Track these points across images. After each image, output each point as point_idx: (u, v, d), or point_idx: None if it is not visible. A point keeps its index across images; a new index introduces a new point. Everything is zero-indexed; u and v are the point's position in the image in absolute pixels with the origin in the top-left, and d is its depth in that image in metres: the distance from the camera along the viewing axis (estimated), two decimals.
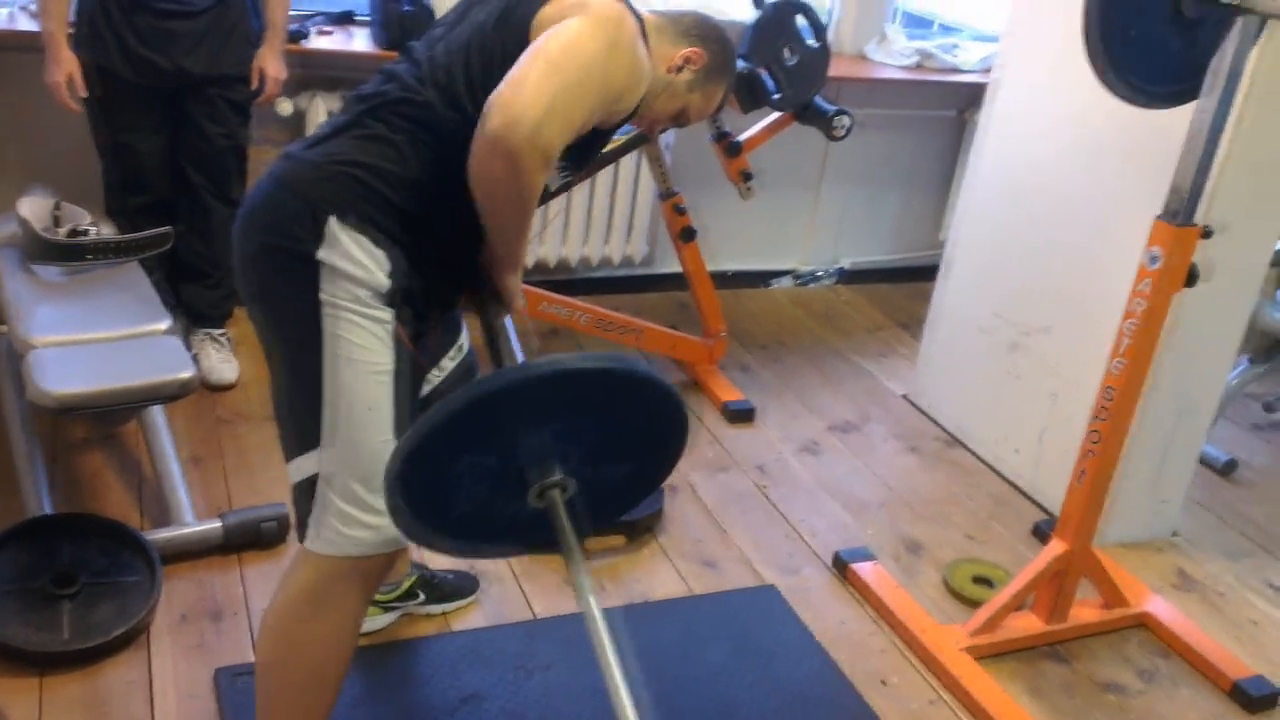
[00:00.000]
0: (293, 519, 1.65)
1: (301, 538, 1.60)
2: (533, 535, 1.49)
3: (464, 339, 1.96)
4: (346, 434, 1.53)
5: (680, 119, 1.77)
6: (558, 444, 1.41)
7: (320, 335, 1.51)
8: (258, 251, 1.55)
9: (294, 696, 1.62)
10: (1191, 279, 2.13)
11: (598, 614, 1.36)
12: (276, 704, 1.64)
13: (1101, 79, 2.00)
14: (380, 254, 1.50)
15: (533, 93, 1.39)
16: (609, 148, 2.76)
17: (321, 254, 1.48)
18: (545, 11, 1.51)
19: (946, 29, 4.42)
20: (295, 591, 1.59)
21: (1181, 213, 2.06)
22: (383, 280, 1.50)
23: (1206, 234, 2.09)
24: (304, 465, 1.57)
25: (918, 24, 4.46)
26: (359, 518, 1.55)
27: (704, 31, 1.72)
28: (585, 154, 1.68)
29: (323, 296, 1.49)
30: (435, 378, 1.88)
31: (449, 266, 1.62)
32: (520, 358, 1.69)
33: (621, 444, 1.50)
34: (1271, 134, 2.46)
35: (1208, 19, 1.96)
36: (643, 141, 2.94)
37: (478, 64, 1.54)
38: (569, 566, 1.43)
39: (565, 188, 2.84)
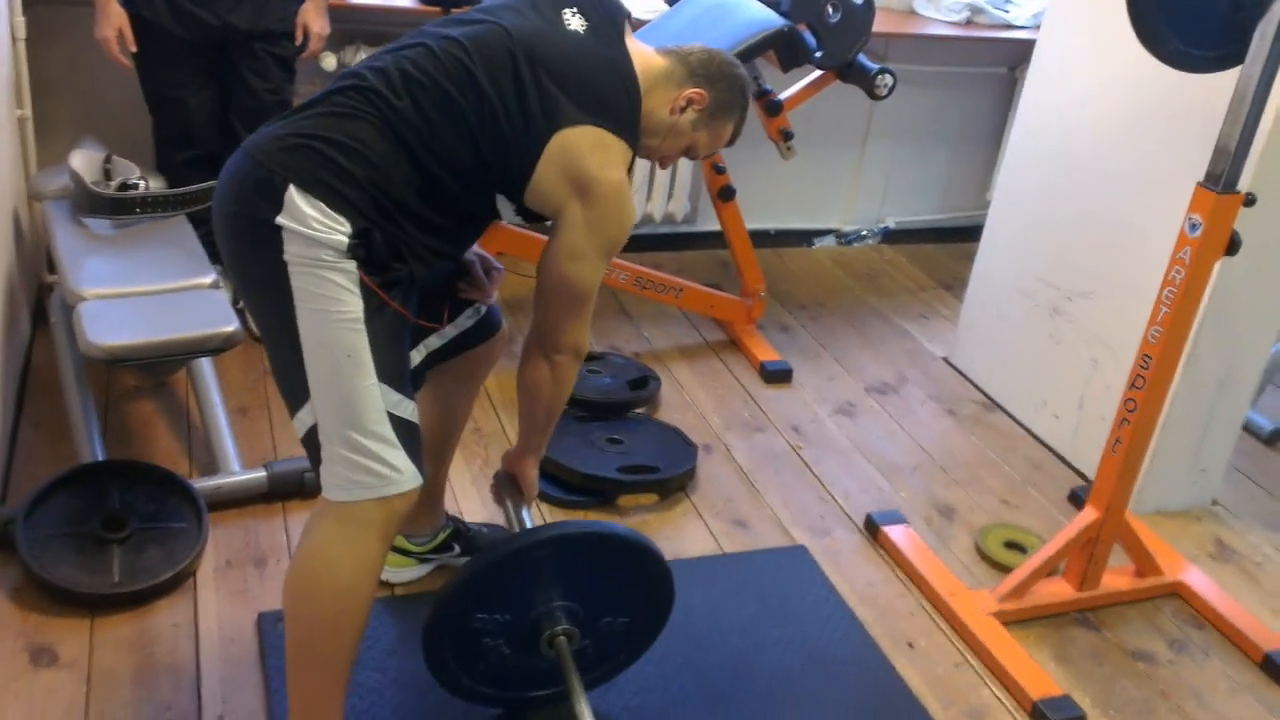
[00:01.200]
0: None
1: (320, 489, 1.65)
2: (545, 684, 1.92)
3: (481, 305, 2.00)
4: (331, 384, 1.60)
5: (690, 154, 1.87)
6: (563, 602, 1.81)
7: (291, 292, 1.57)
8: (228, 220, 1.63)
9: (316, 641, 1.68)
10: (1233, 247, 2.10)
11: None
12: (300, 648, 1.70)
13: (1144, 41, 1.96)
14: (339, 217, 1.56)
15: (566, 331, 1.75)
16: None
17: (281, 219, 1.55)
18: (545, 174, 1.64)
19: None
20: (315, 540, 1.65)
21: (1224, 179, 2.02)
22: (341, 239, 1.56)
23: (1249, 201, 2.05)
24: (304, 419, 1.64)
25: None
26: (360, 462, 1.60)
27: (710, 71, 1.78)
28: None
29: (286, 257, 1.56)
30: (451, 332, 1.93)
31: (418, 229, 1.66)
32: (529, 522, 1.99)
33: (619, 600, 1.87)
34: None
35: None
36: None
37: (455, 101, 1.63)
38: (573, 704, 1.78)
39: None
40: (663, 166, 1.97)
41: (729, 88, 1.80)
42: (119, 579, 2.15)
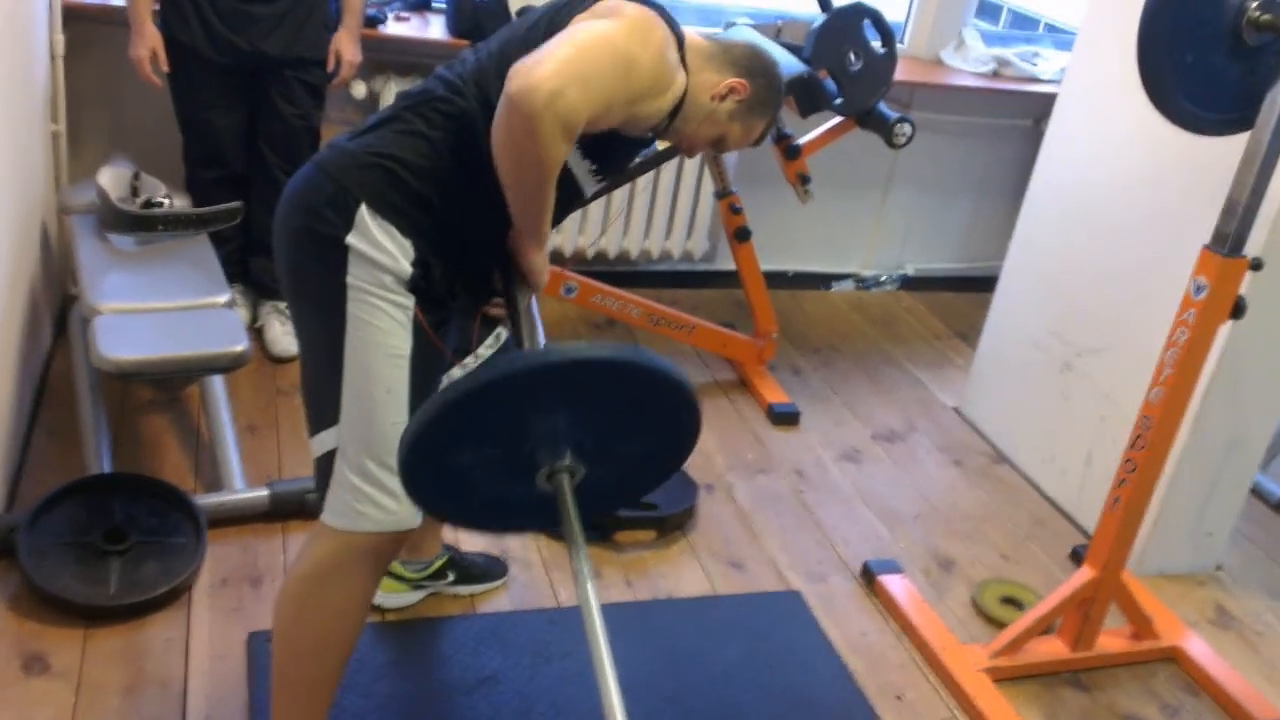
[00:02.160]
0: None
1: (320, 511, 1.67)
2: (548, 515, 1.51)
3: (503, 329, 2.01)
4: (364, 413, 1.60)
5: (719, 146, 1.81)
6: (567, 429, 1.44)
7: (345, 317, 1.58)
8: (293, 233, 1.63)
9: (301, 665, 1.70)
10: (1238, 311, 2.09)
11: (593, 601, 1.39)
12: (285, 670, 1.72)
13: (1156, 103, 1.97)
14: (406, 243, 1.57)
15: (554, 62, 1.43)
16: (649, 155, 2.82)
17: (350, 239, 1.56)
18: (579, 18, 1.56)
19: (1021, 19, 4.34)
20: (309, 563, 1.67)
21: (1230, 242, 2.02)
22: (406, 268, 1.57)
23: (1256, 266, 2.05)
24: (324, 440, 1.65)
25: (990, 11, 4.38)
26: (371, 495, 1.62)
27: (752, 65, 1.74)
28: (611, 159, 1.73)
29: (349, 280, 1.57)
30: (471, 363, 1.94)
31: (474, 259, 1.68)
32: (541, 340, 1.74)
33: (632, 433, 1.51)
34: None
35: (1268, 47, 1.92)
36: (673, 154, 2.94)
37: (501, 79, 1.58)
38: (570, 552, 1.46)
39: (599, 194, 2.88)
40: (689, 154, 1.89)
41: (769, 85, 1.77)
42: (116, 591, 2.18)
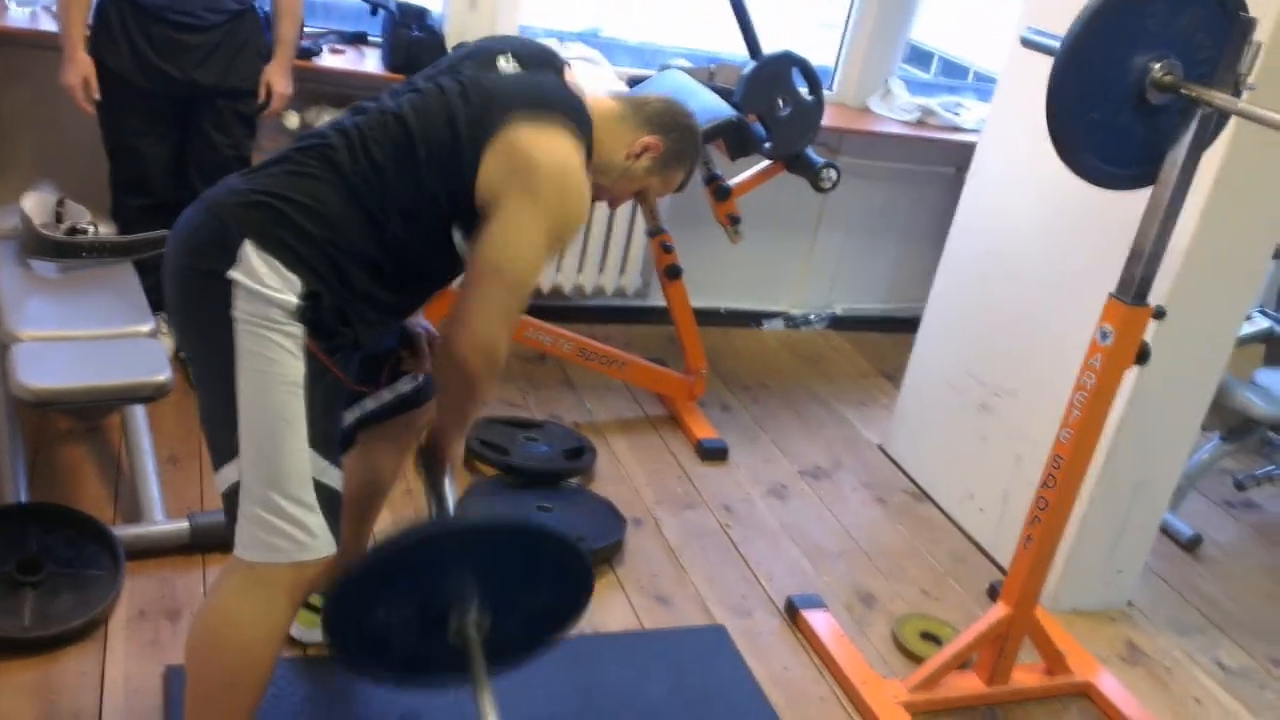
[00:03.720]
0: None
1: (232, 546, 1.67)
2: (457, 670, 1.76)
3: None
4: (262, 444, 1.61)
5: (640, 198, 1.89)
6: (474, 588, 1.70)
7: (234, 350, 1.59)
8: (180, 271, 1.65)
9: (215, 698, 1.68)
10: (1142, 357, 2.17)
11: None
12: (199, 704, 1.70)
13: (1064, 158, 2.05)
14: (293, 277, 1.58)
15: (484, 318, 1.65)
16: None
17: (234, 274, 1.57)
18: (491, 156, 1.63)
19: (952, 66, 4.47)
20: (222, 597, 1.66)
21: (1135, 291, 2.10)
22: (292, 300, 1.58)
23: (1158, 314, 2.14)
24: (227, 474, 1.65)
25: (921, 58, 4.52)
26: (277, 525, 1.61)
27: (664, 120, 1.82)
28: None
29: (235, 314, 1.58)
30: (387, 395, 1.96)
31: (367, 294, 1.68)
32: (451, 507, 1.90)
33: (533, 589, 1.77)
34: (1236, 220, 2.51)
35: (1171, 107, 2.01)
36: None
37: (405, 150, 1.65)
38: (478, 702, 1.70)
39: None
40: (612, 207, 1.99)
41: (682, 138, 1.84)
42: (29, 623, 2.13)
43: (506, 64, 1.77)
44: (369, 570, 1.62)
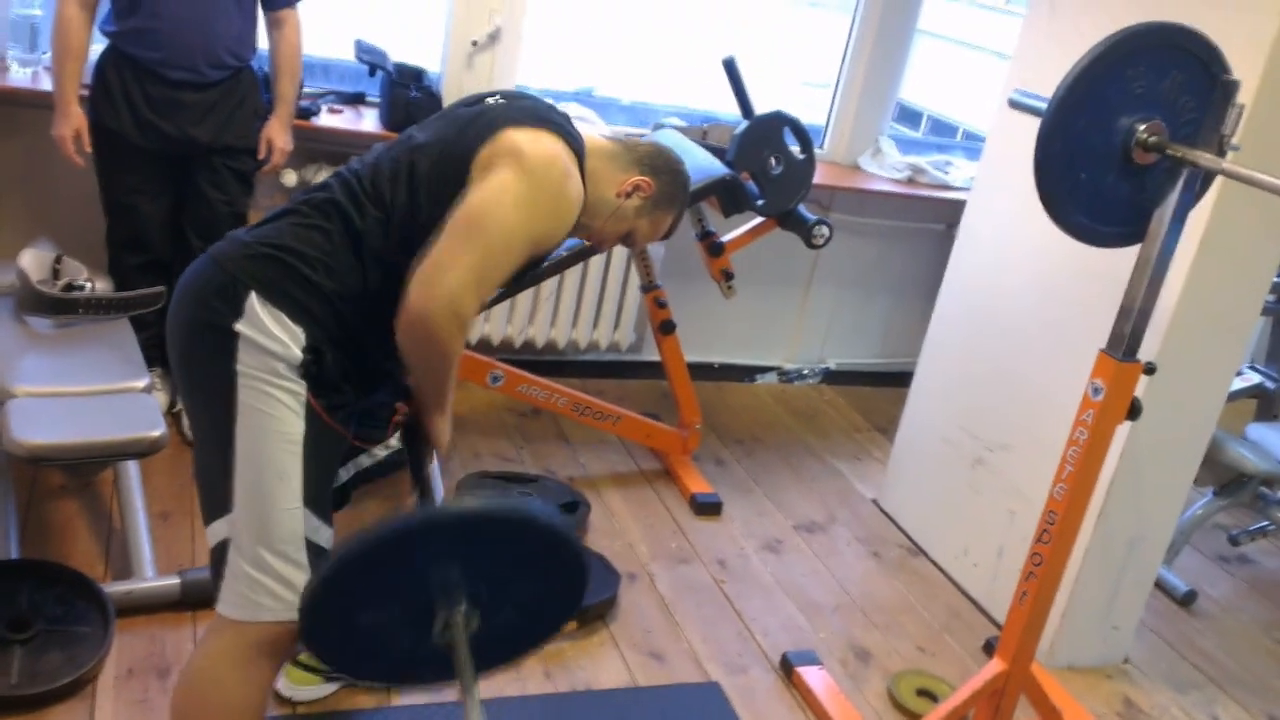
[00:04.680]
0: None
1: (216, 602, 1.66)
2: (442, 668, 1.59)
3: None
4: (256, 501, 1.60)
5: (628, 241, 1.88)
6: (461, 582, 1.53)
7: (235, 404, 1.59)
8: (184, 324, 1.65)
9: None
10: (1134, 413, 2.18)
11: None
12: None
13: (1052, 216, 2.08)
14: (297, 330, 1.59)
15: (452, 269, 1.54)
16: (573, 250, 2.89)
17: (239, 326, 1.58)
18: (483, 153, 1.62)
19: (941, 125, 4.55)
20: (206, 656, 1.65)
21: (1125, 347, 2.12)
22: (296, 354, 1.59)
23: (1149, 370, 2.15)
24: (218, 530, 1.64)
25: (911, 117, 4.59)
26: (267, 585, 1.61)
27: (655, 163, 1.83)
28: (518, 279, 1.78)
29: (239, 367, 1.58)
30: (381, 453, 1.95)
31: (369, 347, 1.69)
32: (439, 497, 1.80)
33: (523, 582, 1.61)
34: (1223, 277, 2.54)
35: (1157, 166, 2.05)
36: (592, 252, 3.02)
37: (405, 184, 1.65)
38: (464, 702, 1.54)
39: (502, 298, 3.02)
40: (600, 249, 1.96)
41: (673, 181, 1.85)
42: (17, 681, 2.11)
43: (495, 100, 1.79)
44: (352, 562, 1.47)
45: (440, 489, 1.81)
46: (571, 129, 1.72)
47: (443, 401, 1.75)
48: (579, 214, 1.71)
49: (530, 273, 1.83)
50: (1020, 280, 2.97)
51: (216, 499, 1.64)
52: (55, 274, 2.68)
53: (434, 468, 1.83)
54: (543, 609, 1.70)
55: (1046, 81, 1.99)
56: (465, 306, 1.56)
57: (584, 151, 1.73)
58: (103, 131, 2.82)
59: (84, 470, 2.65)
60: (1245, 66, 2.19)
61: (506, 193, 1.58)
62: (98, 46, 2.84)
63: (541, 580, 1.63)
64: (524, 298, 3.70)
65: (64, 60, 2.73)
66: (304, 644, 1.55)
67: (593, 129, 1.82)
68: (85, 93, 2.82)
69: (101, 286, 2.74)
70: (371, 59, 3.25)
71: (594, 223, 1.80)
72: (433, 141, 1.68)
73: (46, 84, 3.04)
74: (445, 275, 1.54)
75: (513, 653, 1.82)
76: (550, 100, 1.84)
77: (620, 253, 3.72)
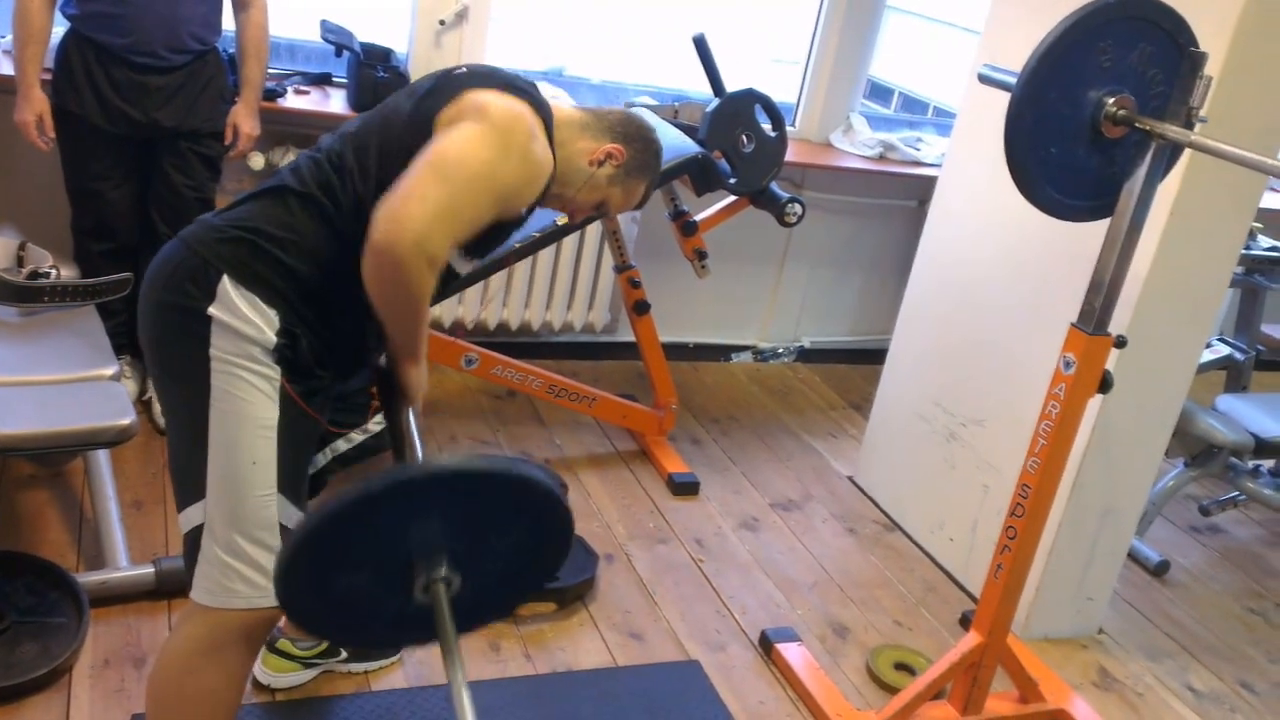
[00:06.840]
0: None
1: (189, 589, 1.64)
2: (422, 629, 1.50)
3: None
4: (230, 487, 1.59)
5: (600, 209, 1.85)
6: (441, 541, 1.44)
7: (209, 389, 1.57)
8: (156, 308, 1.63)
9: None
10: (1105, 386, 2.20)
11: (469, 710, 1.36)
12: None
13: (1023, 190, 2.08)
14: (271, 313, 1.57)
15: (418, 202, 1.46)
16: (547, 229, 2.86)
17: (213, 310, 1.56)
18: (446, 112, 1.59)
19: (912, 102, 4.55)
20: (180, 643, 1.64)
21: (1095, 321, 2.13)
22: (270, 337, 1.57)
23: (1119, 343, 2.17)
24: (191, 516, 1.63)
25: (881, 94, 4.59)
26: (241, 571, 1.60)
27: (627, 130, 1.81)
28: (487, 245, 1.75)
29: (212, 352, 1.57)
30: (358, 437, 1.94)
31: (344, 330, 1.68)
32: (419, 453, 1.72)
33: (505, 541, 1.52)
34: (1192, 250, 2.56)
35: (1126, 140, 2.05)
36: (565, 233, 2.98)
37: (374, 156, 1.63)
38: (445, 661, 1.45)
39: (476, 273, 2.85)
40: (573, 220, 1.92)
41: (645, 149, 1.83)
42: None
43: (459, 70, 1.75)
44: (326, 522, 1.38)
45: (419, 443, 1.72)
46: (538, 96, 1.70)
47: (415, 349, 1.67)
48: (549, 182, 1.69)
49: (499, 241, 1.79)
50: (992, 255, 2.98)
51: (190, 485, 1.63)
52: (20, 261, 2.64)
53: (412, 422, 1.75)
54: (527, 564, 1.59)
55: (1016, 56, 1.99)
56: (433, 242, 1.47)
57: (551, 119, 1.71)
58: (66, 116, 2.78)
59: (53, 459, 2.63)
60: (1212, 38, 2.20)
61: (474, 137, 1.54)
62: (59, 30, 2.79)
63: (525, 534, 1.53)
64: (498, 279, 3.68)
65: (25, 44, 2.69)
66: (280, 607, 1.46)
67: (562, 102, 1.79)
68: (47, 77, 2.77)
69: (67, 274, 2.70)
70: (337, 39, 3.22)
71: (566, 191, 1.78)
72: (398, 110, 1.66)
73: (7, 68, 2.98)
74: (411, 207, 1.46)
75: (497, 610, 1.73)
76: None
77: (593, 233, 3.71)
